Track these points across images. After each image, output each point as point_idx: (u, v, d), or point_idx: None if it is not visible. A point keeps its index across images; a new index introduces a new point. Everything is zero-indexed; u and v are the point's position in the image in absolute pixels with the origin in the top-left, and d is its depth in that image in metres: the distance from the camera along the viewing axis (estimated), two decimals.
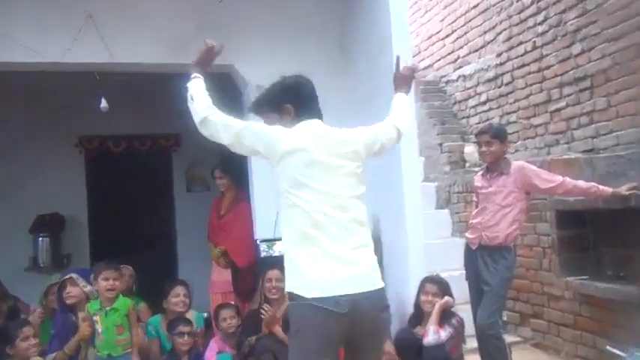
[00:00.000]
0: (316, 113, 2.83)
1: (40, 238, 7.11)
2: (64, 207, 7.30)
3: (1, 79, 6.11)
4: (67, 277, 4.46)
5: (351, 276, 2.52)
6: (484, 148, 4.25)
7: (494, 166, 4.24)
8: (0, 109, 6.88)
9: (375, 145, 2.90)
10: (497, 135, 4.23)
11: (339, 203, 2.61)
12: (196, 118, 2.80)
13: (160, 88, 6.85)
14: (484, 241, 4.22)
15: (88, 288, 4.50)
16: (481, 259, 4.23)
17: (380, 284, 2.64)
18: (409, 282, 4.52)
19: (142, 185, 8.13)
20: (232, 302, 5.03)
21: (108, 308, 4.22)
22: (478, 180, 4.43)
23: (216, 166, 5.63)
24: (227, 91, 6.09)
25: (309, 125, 2.74)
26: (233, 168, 5.58)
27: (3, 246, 6.74)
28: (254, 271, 5.11)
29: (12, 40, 4.71)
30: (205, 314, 5.21)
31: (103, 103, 5.42)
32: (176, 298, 4.72)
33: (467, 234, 4.48)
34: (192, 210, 7.16)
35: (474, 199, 4.68)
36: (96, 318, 4.20)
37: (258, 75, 5.26)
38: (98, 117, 6.19)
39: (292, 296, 2.57)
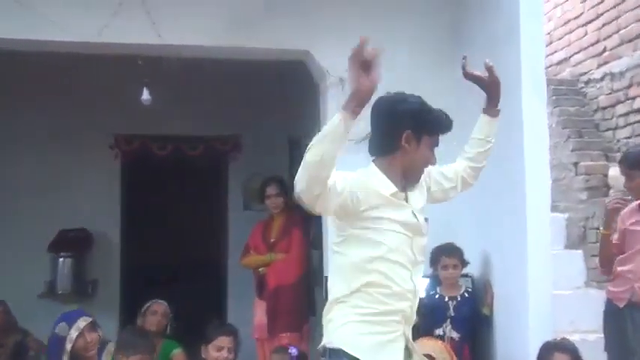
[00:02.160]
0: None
1: (61, 259, 7.24)
2: (93, 222, 7.45)
3: (23, 62, 6.31)
4: (85, 322, 4.45)
5: None
6: (625, 183, 4.18)
7: None
8: (20, 99, 7.11)
9: None
10: (634, 165, 4.09)
11: None
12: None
13: (217, 79, 6.99)
14: (637, 297, 4.05)
15: (101, 333, 4.60)
16: (630, 321, 4.07)
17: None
18: (529, 346, 4.32)
19: (189, 199, 8.25)
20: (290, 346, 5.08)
21: None
22: (628, 214, 4.21)
23: (271, 181, 5.79)
24: (299, 85, 6.13)
25: None
26: (290, 185, 5.69)
27: (15, 266, 6.93)
28: (288, 302, 5.41)
29: (37, 14, 4.78)
30: None
31: (145, 95, 5.50)
32: (218, 352, 4.62)
33: (610, 286, 4.31)
34: (249, 232, 7.16)
35: (616, 239, 4.41)
36: None
37: (341, 63, 5.16)
38: (140, 113, 6.33)
39: None
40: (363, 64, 2.51)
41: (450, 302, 4.85)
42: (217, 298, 7.84)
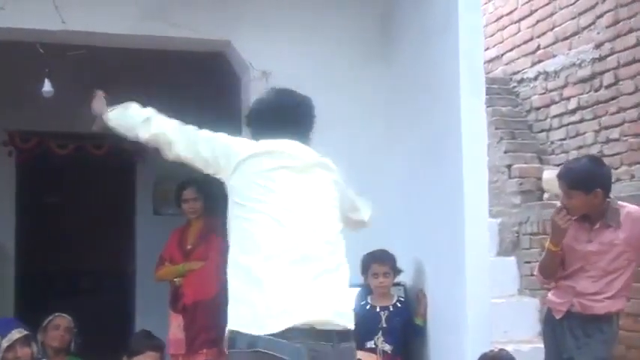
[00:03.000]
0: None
1: None
2: None
3: None
4: (20, 334, 4.36)
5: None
6: (563, 199, 4.13)
7: (595, 215, 4.06)
8: None
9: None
10: (575, 185, 4.02)
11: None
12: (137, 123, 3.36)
13: (128, 71, 6.85)
14: (575, 309, 4.08)
15: (36, 349, 4.50)
16: (569, 331, 4.10)
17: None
18: (466, 358, 4.32)
19: (93, 203, 8.04)
20: None
21: None
22: (571, 228, 4.17)
23: (188, 184, 5.64)
24: (220, 79, 6.02)
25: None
26: (209, 188, 5.57)
27: None
28: (207, 317, 5.29)
29: None
30: None
31: (47, 87, 5.31)
32: None
33: (550, 295, 4.31)
34: (159, 239, 7.04)
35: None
36: None
37: (264, 56, 5.23)
38: (38, 107, 6.15)
39: None
40: None
41: (382, 313, 4.84)
42: (124, 311, 7.66)
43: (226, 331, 2.98)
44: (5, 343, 4.24)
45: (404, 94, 5.35)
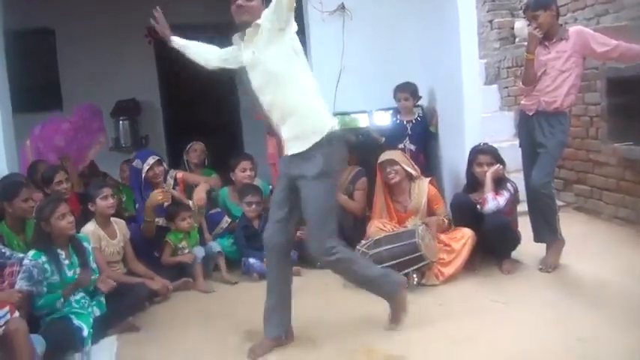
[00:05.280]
0: None
1: (121, 122, 7.29)
2: (140, 93, 7.38)
3: None
4: (154, 159, 4.42)
5: None
6: (533, 24, 3.99)
7: (552, 32, 3.97)
8: (76, 3, 6.82)
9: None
10: (539, 5, 3.94)
11: None
12: None
13: None
14: (541, 107, 4.00)
15: (165, 166, 4.59)
16: (537, 124, 4.02)
17: None
18: (465, 152, 4.34)
19: (208, 75, 8.03)
20: None
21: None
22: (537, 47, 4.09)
23: None
24: None
25: None
26: None
27: None
28: None
29: None
30: (271, 186, 5.25)
31: None
32: (243, 172, 4.78)
33: (523, 101, 4.20)
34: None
35: None
36: (183, 244, 4.30)
37: None
38: (165, 6, 6.05)
39: None
40: None
41: (408, 125, 4.88)
42: (237, 140, 7.89)
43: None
44: (146, 166, 4.35)
45: None
